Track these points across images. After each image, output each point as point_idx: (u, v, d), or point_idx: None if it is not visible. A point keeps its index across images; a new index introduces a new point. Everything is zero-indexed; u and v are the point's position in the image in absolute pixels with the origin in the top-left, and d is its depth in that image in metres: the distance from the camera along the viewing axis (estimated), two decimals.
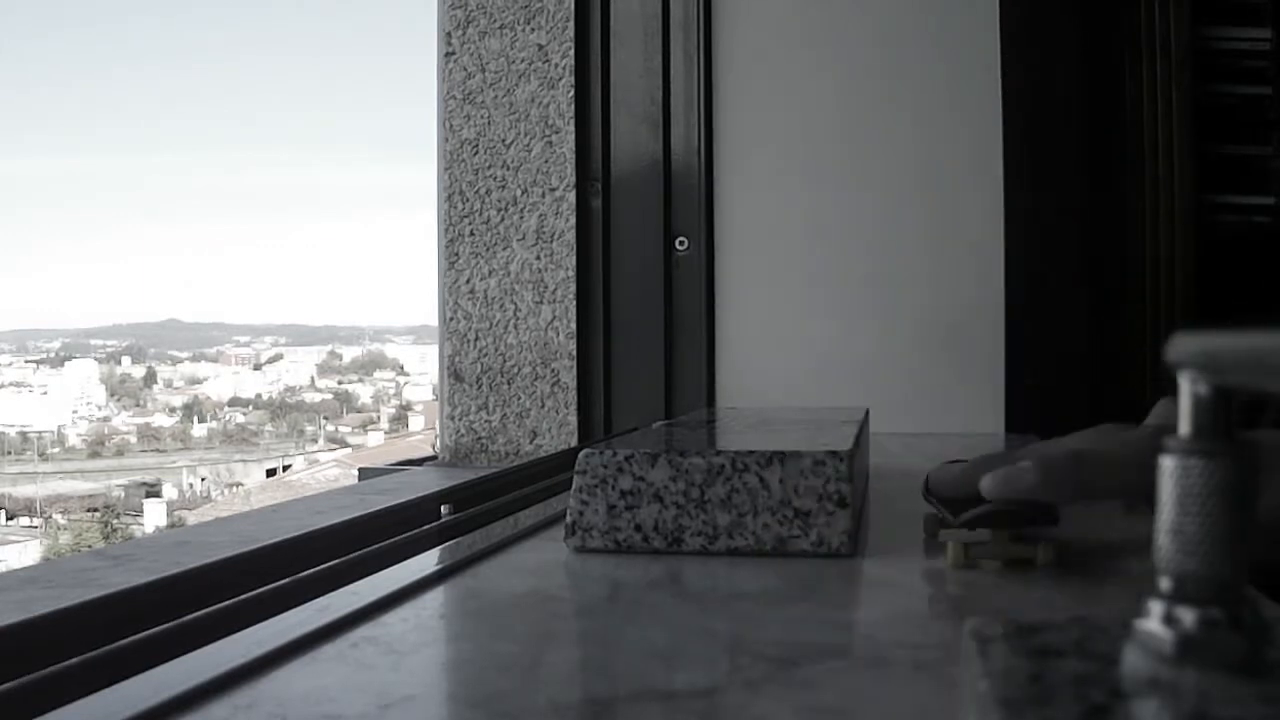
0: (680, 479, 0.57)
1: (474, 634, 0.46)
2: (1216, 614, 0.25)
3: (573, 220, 1.33)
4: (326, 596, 0.47)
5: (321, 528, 0.60)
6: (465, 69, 1.35)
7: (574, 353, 1.32)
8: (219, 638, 0.41)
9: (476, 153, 1.35)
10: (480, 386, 1.34)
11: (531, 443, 1.33)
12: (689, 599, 0.50)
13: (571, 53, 1.33)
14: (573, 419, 1.32)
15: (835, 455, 0.56)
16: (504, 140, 1.34)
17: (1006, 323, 1.28)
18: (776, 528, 0.56)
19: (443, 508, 0.73)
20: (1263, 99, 1.46)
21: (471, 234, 1.35)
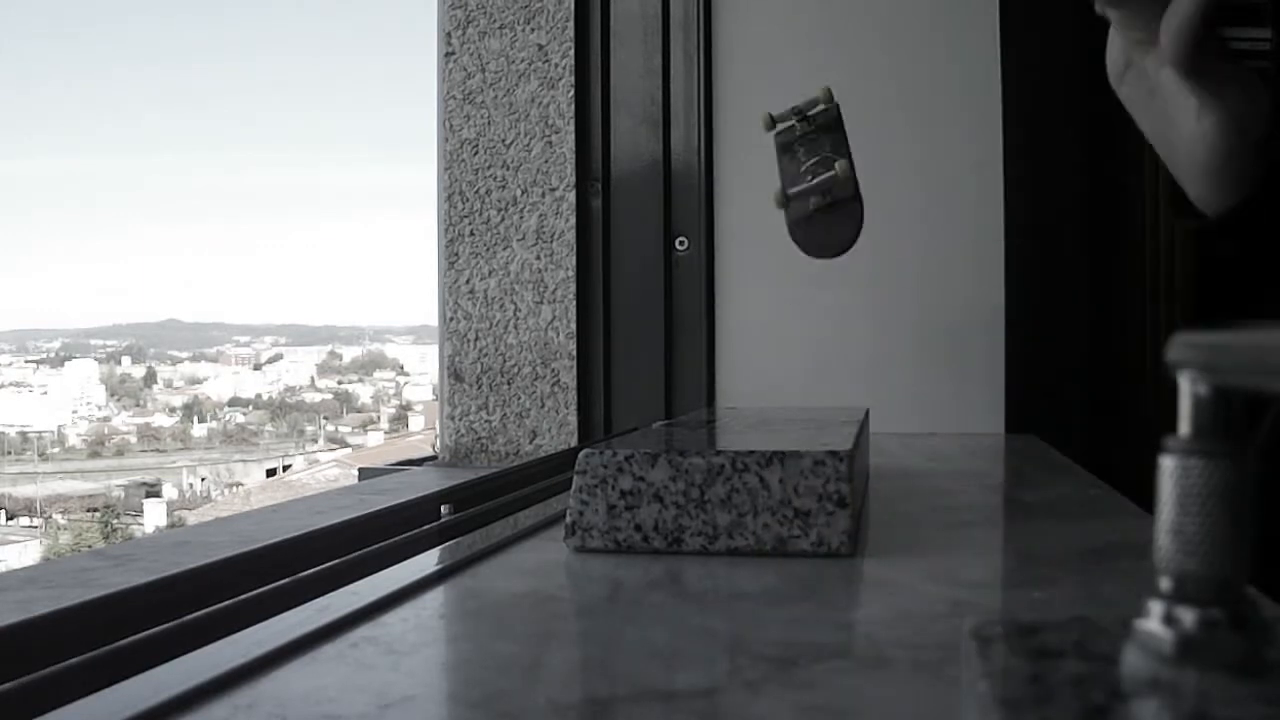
0: (680, 479, 0.57)
1: (474, 634, 0.46)
2: (1216, 614, 0.25)
3: (573, 220, 1.33)
4: (326, 596, 0.47)
5: (321, 528, 0.60)
6: (465, 69, 1.35)
7: (574, 353, 1.32)
8: (219, 638, 0.41)
9: (476, 153, 1.35)
10: (480, 386, 1.34)
11: (531, 443, 1.33)
12: (689, 599, 0.50)
13: (571, 53, 1.33)
14: (573, 419, 1.32)
15: (835, 455, 0.56)
16: (504, 140, 1.34)
17: (1006, 323, 1.28)
18: (776, 528, 0.56)
19: (443, 508, 0.73)
20: None
21: (471, 234, 1.35)
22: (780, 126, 0.75)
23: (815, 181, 0.71)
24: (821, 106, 0.76)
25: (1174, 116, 0.61)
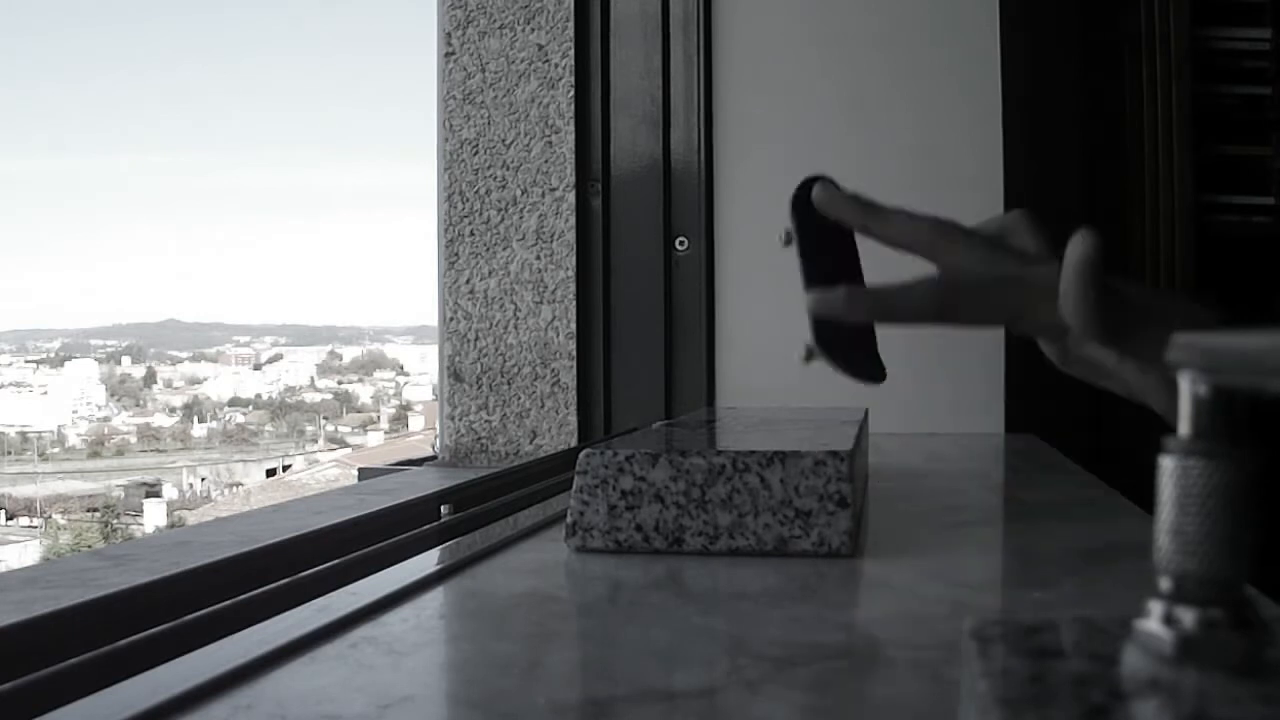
0: (681, 479, 0.57)
1: (474, 634, 0.46)
2: (1216, 614, 0.25)
3: (573, 220, 1.33)
4: (326, 596, 0.47)
5: (321, 528, 0.60)
6: (465, 69, 1.35)
7: (574, 353, 1.32)
8: (219, 638, 0.41)
9: (476, 153, 1.35)
10: (480, 386, 1.34)
11: (531, 443, 1.33)
12: (689, 599, 0.50)
13: (571, 53, 1.33)
14: (573, 419, 1.32)
15: (836, 455, 0.56)
16: (504, 140, 1.34)
17: None
18: (777, 528, 0.56)
19: (443, 508, 0.73)
20: (1262, 99, 1.46)
21: (471, 234, 1.35)
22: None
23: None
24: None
25: (1124, 378, 0.60)
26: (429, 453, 1.48)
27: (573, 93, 1.33)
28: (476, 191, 1.35)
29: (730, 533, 0.56)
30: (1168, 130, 1.41)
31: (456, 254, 1.35)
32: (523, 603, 0.49)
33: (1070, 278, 0.56)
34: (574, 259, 1.32)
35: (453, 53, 1.35)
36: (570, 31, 1.33)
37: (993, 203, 1.28)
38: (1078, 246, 0.56)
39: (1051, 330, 0.60)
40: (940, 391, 1.28)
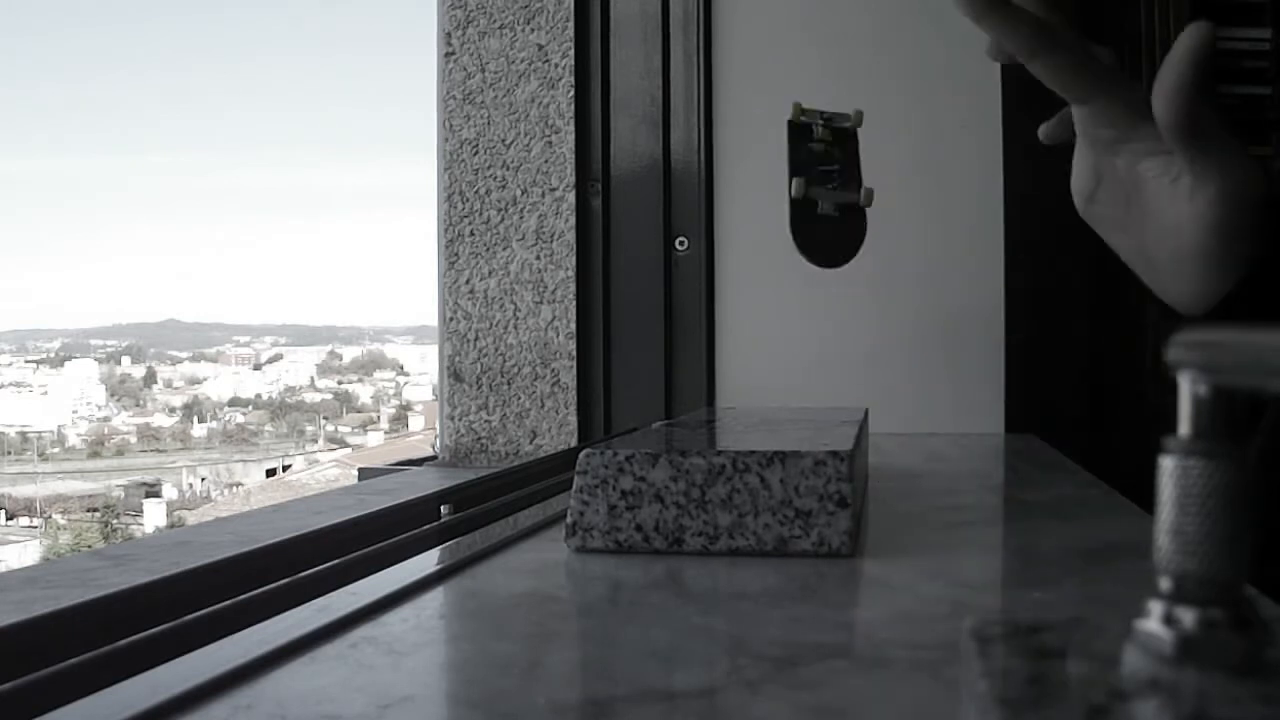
0: (681, 479, 0.57)
1: (474, 634, 0.46)
2: (1216, 614, 0.25)
3: (573, 220, 1.33)
4: (326, 596, 0.47)
5: (321, 528, 0.60)
6: (465, 69, 1.35)
7: (574, 353, 1.32)
8: (219, 638, 0.41)
9: (476, 153, 1.35)
10: (480, 386, 1.34)
11: (531, 443, 1.33)
12: (689, 599, 0.50)
13: (571, 53, 1.33)
14: (573, 419, 1.32)
15: (836, 455, 0.56)
16: (504, 140, 1.34)
17: (1006, 322, 1.28)
18: (777, 528, 0.56)
19: (442, 508, 0.73)
20: (1262, 99, 1.46)
21: (471, 234, 1.35)
22: (804, 119, 0.75)
23: (837, 193, 0.71)
24: (849, 123, 0.77)
25: (1159, 212, 0.57)
26: (429, 453, 1.48)
27: (573, 93, 1.33)
28: (476, 191, 1.35)
29: (730, 533, 0.56)
30: None
31: (456, 254, 1.35)
32: (523, 603, 0.49)
33: (1175, 64, 0.53)
34: (574, 259, 1.32)
35: (453, 53, 1.35)
36: (570, 31, 1.33)
37: (993, 202, 1.28)
38: (1192, 34, 0.53)
39: (1117, 123, 0.58)
40: (940, 391, 1.29)
